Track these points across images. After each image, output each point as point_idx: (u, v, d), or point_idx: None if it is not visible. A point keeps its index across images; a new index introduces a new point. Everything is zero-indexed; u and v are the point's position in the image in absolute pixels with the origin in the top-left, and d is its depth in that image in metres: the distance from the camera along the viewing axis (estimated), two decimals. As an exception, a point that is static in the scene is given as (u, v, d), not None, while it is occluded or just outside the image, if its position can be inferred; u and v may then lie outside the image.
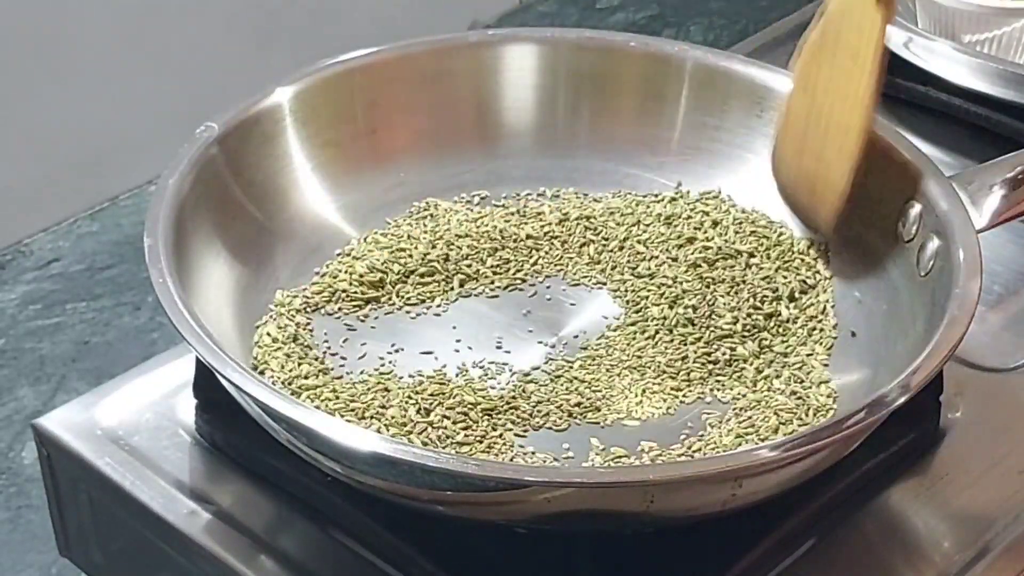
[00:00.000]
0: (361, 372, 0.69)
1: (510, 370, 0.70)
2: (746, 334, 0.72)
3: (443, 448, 0.64)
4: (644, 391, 0.69)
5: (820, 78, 0.72)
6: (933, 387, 0.68)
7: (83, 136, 1.81)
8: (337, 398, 0.67)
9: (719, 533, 0.63)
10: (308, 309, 0.72)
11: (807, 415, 0.67)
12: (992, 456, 0.70)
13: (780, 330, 0.72)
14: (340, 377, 0.69)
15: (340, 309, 0.73)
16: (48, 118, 1.77)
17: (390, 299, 0.74)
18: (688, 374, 0.70)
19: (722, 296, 0.73)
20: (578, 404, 0.68)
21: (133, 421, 0.71)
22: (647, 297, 0.74)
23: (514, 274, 0.76)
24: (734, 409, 0.68)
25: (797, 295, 0.74)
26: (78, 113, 1.79)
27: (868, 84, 0.70)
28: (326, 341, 0.71)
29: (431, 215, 0.79)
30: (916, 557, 0.65)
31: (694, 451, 0.66)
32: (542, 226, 0.78)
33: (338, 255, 0.76)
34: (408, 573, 0.63)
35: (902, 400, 0.60)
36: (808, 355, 0.71)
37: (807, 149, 0.73)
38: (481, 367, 0.70)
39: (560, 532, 0.62)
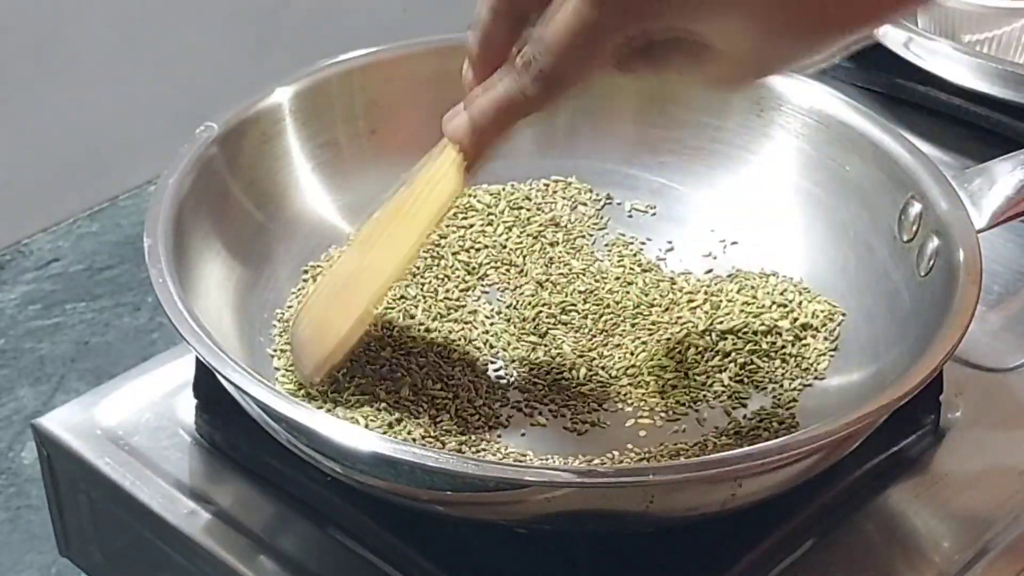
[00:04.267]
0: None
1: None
2: (744, 333, 0.72)
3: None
4: (642, 386, 0.69)
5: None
6: (933, 387, 0.68)
7: (83, 136, 1.82)
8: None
9: (719, 533, 0.63)
10: None
11: (807, 415, 0.67)
12: (992, 456, 0.70)
13: (777, 329, 0.72)
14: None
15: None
16: (48, 118, 1.77)
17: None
18: (685, 371, 0.70)
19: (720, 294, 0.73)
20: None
21: (133, 421, 0.71)
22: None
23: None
24: (728, 411, 0.68)
25: (795, 293, 0.74)
26: (78, 113, 1.80)
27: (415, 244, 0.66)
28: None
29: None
30: (916, 557, 0.65)
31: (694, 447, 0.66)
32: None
33: None
34: (408, 573, 0.63)
35: (902, 400, 0.60)
36: (807, 354, 0.71)
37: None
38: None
39: (560, 532, 0.62)
